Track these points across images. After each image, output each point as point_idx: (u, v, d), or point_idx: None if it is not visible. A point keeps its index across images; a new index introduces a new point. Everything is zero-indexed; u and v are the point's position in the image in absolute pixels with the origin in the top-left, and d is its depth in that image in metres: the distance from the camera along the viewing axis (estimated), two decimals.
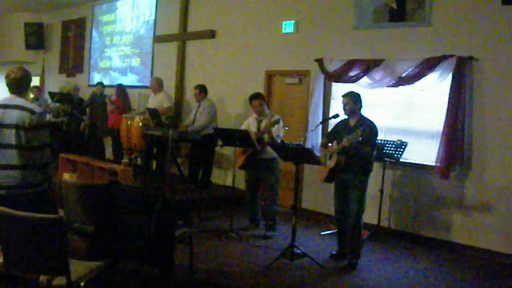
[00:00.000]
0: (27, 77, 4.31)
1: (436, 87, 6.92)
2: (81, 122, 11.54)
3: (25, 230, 3.42)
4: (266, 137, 6.75)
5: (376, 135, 5.91)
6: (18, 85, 4.25)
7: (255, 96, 7.13)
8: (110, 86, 11.71)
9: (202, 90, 9.01)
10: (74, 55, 14.55)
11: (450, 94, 6.71)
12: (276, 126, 6.71)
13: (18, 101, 4.19)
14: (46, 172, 4.31)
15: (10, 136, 4.08)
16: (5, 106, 4.15)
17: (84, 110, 11.91)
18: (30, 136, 4.12)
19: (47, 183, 4.35)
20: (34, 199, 4.19)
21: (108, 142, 11.35)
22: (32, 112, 4.14)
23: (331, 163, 5.89)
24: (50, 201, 4.50)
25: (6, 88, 4.30)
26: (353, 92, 6.07)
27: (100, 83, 11.62)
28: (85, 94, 12.85)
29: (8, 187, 4.10)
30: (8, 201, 3.96)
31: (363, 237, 6.40)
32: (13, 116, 4.09)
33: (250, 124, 7.16)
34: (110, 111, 10.53)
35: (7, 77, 4.24)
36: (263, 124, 6.92)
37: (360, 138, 5.50)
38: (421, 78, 6.91)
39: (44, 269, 3.53)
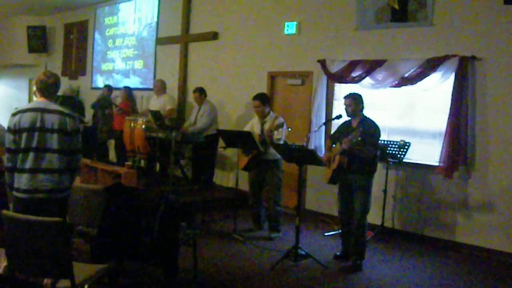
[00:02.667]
0: (59, 83, 4.35)
1: (438, 87, 6.91)
2: (81, 124, 11.58)
3: (29, 233, 3.43)
4: (268, 140, 6.74)
5: (378, 135, 5.90)
6: (55, 89, 4.27)
7: (255, 97, 7.12)
8: (115, 89, 11.74)
9: (201, 92, 9.07)
10: (77, 58, 14.58)
11: (452, 94, 6.70)
12: (280, 129, 6.71)
13: (56, 106, 4.22)
14: (73, 176, 4.36)
15: (51, 141, 4.08)
16: (42, 110, 4.12)
17: (84, 113, 11.96)
18: (70, 141, 4.17)
19: (71, 187, 4.40)
20: (62, 204, 4.24)
21: (111, 144, 11.38)
22: (72, 117, 4.20)
23: (333, 164, 5.89)
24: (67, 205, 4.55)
25: (37, 93, 4.30)
26: (355, 93, 6.08)
27: (107, 86, 11.65)
28: (88, 96, 12.88)
29: (47, 191, 4.10)
30: (46, 205, 4.01)
31: (367, 238, 6.40)
32: (54, 121, 4.10)
33: (254, 125, 7.16)
34: (116, 114, 10.56)
35: (42, 81, 4.19)
36: (266, 126, 6.92)
37: (359, 138, 5.51)
38: (424, 78, 6.91)
39: (48, 272, 3.54)
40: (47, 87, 4.22)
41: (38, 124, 4.07)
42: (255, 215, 7.33)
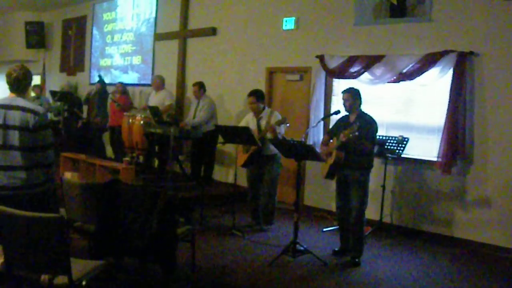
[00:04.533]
0: (28, 76, 4.25)
1: (437, 83, 6.91)
2: (79, 120, 11.61)
3: (27, 230, 3.42)
4: (269, 135, 6.76)
5: (375, 130, 5.90)
6: (20, 84, 4.18)
7: (250, 93, 7.20)
8: (112, 84, 11.71)
9: (201, 87, 9.07)
10: (75, 54, 14.55)
11: (451, 89, 6.70)
12: (282, 125, 6.74)
13: (20, 101, 4.14)
14: (49, 172, 4.28)
15: (13, 138, 4.03)
16: (6, 107, 4.08)
17: (82, 108, 11.96)
18: (34, 137, 4.08)
19: (49, 183, 4.32)
20: (37, 200, 4.16)
21: (107, 140, 11.37)
22: (35, 113, 4.09)
23: (330, 159, 5.89)
24: (52, 201, 4.48)
25: (7, 87, 4.27)
26: (353, 88, 6.08)
27: (100, 82, 11.64)
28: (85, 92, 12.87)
29: (13, 188, 4.05)
30: (13, 202, 3.94)
31: (365, 233, 6.40)
32: (16, 118, 4.03)
33: (249, 122, 7.18)
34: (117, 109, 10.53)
35: (8, 76, 4.16)
36: (263, 123, 6.94)
37: (357, 133, 5.51)
38: (422, 73, 6.91)
39: (46, 268, 3.53)
40: (11, 82, 4.17)
41: (0, 121, 4.03)
42: (254, 211, 7.35)
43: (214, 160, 9.37)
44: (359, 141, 5.64)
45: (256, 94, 7.14)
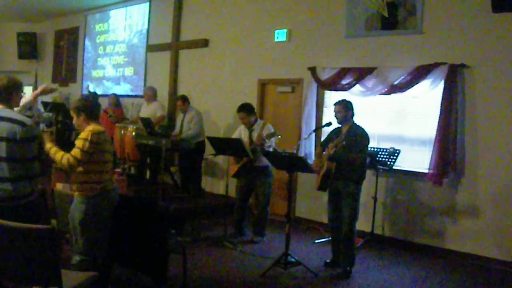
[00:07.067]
0: (14, 86, 4.23)
1: (428, 95, 6.96)
2: (72, 132, 11.57)
3: (17, 241, 3.40)
4: (259, 148, 6.75)
5: (366, 141, 5.89)
6: (6, 94, 4.17)
7: (239, 109, 7.12)
8: (104, 95, 11.70)
9: (185, 100, 9.07)
10: (67, 65, 14.54)
11: (442, 101, 6.74)
12: (272, 139, 6.74)
13: (7, 112, 4.11)
14: (34, 184, 4.25)
15: (0, 149, 4.03)
16: None
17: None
18: (21, 149, 4.06)
19: (34, 195, 4.28)
20: (23, 211, 4.12)
21: None
22: (23, 124, 4.08)
23: (322, 171, 5.89)
24: (38, 212, 4.44)
25: None
26: (345, 100, 6.09)
27: (93, 93, 11.64)
28: None
29: None
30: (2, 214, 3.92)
31: (357, 245, 6.40)
32: (3, 129, 4.02)
33: (242, 133, 7.18)
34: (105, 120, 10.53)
35: None
36: (255, 134, 6.93)
37: (344, 143, 5.53)
38: (413, 85, 6.95)
39: (37, 280, 3.51)
40: None
41: None
42: (238, 222, 7.33)
43: (201, 171, 9.34)
44: (348, 152, 5.65)
45: (245, 109, 7.07)
